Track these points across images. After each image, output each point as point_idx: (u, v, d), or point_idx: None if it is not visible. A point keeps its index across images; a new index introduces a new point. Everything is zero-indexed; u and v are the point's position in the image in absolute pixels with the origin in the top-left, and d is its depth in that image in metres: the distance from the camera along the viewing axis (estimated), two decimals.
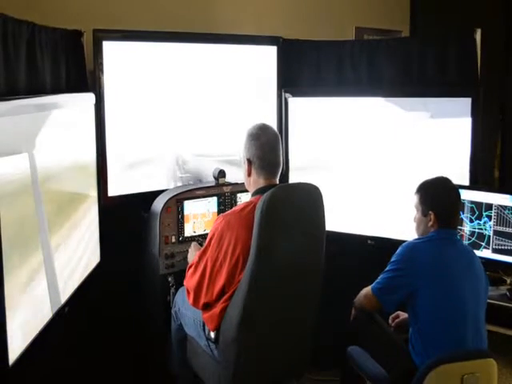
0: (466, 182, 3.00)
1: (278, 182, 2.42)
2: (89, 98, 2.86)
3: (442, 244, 2.38)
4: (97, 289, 2.90)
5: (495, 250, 2.85)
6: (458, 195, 2.45)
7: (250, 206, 2.29)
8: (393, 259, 2.41)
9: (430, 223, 2.40)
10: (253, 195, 2.40)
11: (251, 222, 2.19)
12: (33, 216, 2.15)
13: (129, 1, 3.35)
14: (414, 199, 2.49)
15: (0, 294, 1.86)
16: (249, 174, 2.41)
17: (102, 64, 2.97)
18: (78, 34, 2.93)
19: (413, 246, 2.40)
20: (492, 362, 2.21)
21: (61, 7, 3.02)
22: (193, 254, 2.67)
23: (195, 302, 2.37)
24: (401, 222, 3.09)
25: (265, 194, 2.18)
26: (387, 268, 2.41)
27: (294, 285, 2.32)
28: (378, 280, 2.42)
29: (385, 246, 2.96)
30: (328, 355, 3.03)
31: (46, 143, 2.27)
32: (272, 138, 2.40)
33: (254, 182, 2.40)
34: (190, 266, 2.46)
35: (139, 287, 3.10)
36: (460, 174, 2.99)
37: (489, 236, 2.85)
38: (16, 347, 1.97)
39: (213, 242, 2.30)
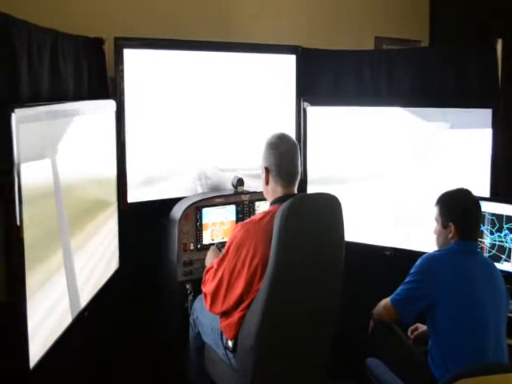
0: (487, 194, 2.98)
1: (296, 192, 2.42)
2: (110, 104, 2.89)
3: (462, 256, 2.36)
4: (115, 294, 2.91)
5: None
6: (479, 207, 2.43)
7: (268, 216, 2.29)
8: (412, 271, 2.39)
9: (450, 235, 2.39)
10: (271, 204, 2.40)
11: (270, 231, 2.19)
12: (54, 219, 2.17)
13: (149, 9, 3.37)
14: (434, 211, 2.47)
15: (22, 296, 1.88)
16: (267, 183, 2.42)
17: (122, 71, 2.99)
18: (99, 41, 2.96)
19: (432, 258, 2.38)
20: None
21: (83, 15, 3.06)
22: (210, 257, 2.69)
23: (212, 307, 2.37)
24: (420, 233, 3.07)
25: (284, 204, 2.18)
26: (406, 279, 2.39)
27: (313, 294, 2.32)
28: (397, 291, 2.41)
29: (403, 257, 2.95)
30: (345, 365, 3.01)
31: (68, 149, 2.29)
32: (290, 148, 2.40)
33: (272, 190, 2.40)
34: (208, 270, 2.47)
35: (157, 294, 3.11)
36: (481, 186, 2.97)
37: (509, 249, 2.81)
38: (37, 351, 1.98)
39: (231, 250, 2.30)
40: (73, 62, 2.67)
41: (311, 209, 2.28)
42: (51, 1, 2.94)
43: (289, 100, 3.57)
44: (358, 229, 3.28)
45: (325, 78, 3.67)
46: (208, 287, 2.40)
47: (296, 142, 2.46)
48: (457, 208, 2.41)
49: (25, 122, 1.89)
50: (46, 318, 2.07)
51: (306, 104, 3.52)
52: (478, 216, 2.45)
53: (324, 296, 2.37)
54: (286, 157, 2.37)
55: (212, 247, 2.82)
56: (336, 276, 2.39)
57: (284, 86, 3.55)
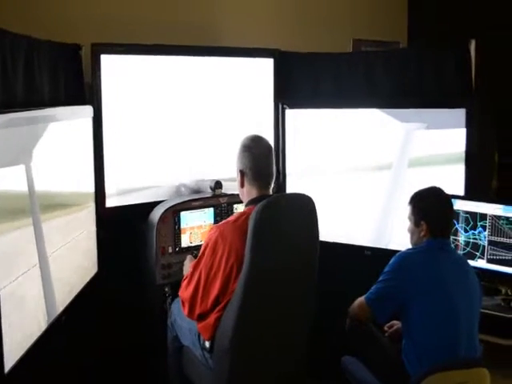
0: (461, 192, 3.02)
1: (271, 193, 2.44)
2: (87, 110, 2.90)
3: (435, 253, 2.39)
4: (94, 298, 2.91)
5: (490, 260, 2.85)
6: (450, 205, 2.47)
7: (243, 216, 2.31)
8: (386, 269, 2.42)
9: (422, 233, 2.42)
10: (246, 206, 2.42)
11: (244, 231, 2.21)
12: (29, 223, 2.18)
13: (126, 15, 3.39)
14: (407, 210, 2.51)
15: None
16: (242, 185, 2.43)
17: (100, 77, 3.00)
18: (76, 47, 2.98)
19: (405, 256, 2.41)
20: (484, 371, 2.22)
21: (59, 21, 3.07)
22: (188, 266, 2.68)
23: (190, 313, 2.38)
24: (398, 232, 3.10)
25: (258, 204, 2.19)
26: (380, 278, 2.42)
27: (289, 294, 2.34)
28: (370, 290, 2.43)
29: (381, 256, 2.97)
30: (323, 365, 3.03)
31: (43, 155, 2.30)
32: (264, 150, 2.41)
33: (248, 192, 2.42)
34: (185, 278, 2.48)
35: (136, 297, 3.11)
36: (455, 184, 3.01)
37: (483, 246, 2.86)
38: (12, 355, 1.99)
39: (207, 251, 2.32)
40: (48, 68, 2.68)
41: (286, 209, 2.30)
42: (27, 7, 2.95)
43: (267, 103, 3.60)
44: (336, 228, 3.31)
45: (303, 80, 3.68)
46: (185, 293, 2.40)
47: (270, 144, 2.47)
48: (428, 206, 2.44)
49: None
50: (22, 323, 2.09)
51: (284, 107, 3.53)
52: (450, 214, 2.48)
53: (299, 295, 2.39)
54: (260, 159, 2.39)
55: (188, 256, 2.82)
56: (311, 275, 2.41)
57: (262, 90, 3.58)
